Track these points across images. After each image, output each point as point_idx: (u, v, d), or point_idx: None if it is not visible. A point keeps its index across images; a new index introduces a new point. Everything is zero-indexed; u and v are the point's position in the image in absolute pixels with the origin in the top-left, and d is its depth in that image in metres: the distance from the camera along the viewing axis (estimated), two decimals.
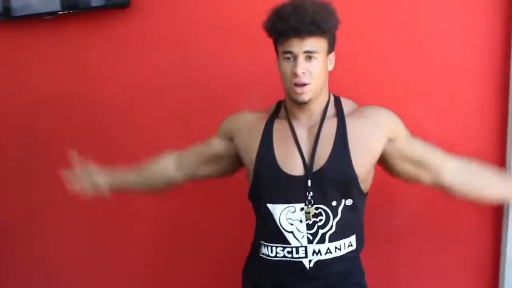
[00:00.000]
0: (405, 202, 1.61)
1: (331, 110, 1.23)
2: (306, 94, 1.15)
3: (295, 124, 1.23)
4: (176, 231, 2.00)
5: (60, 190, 1.89)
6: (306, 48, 1.13)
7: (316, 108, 1.22)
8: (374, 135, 1.20)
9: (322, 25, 1.11)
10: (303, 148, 1.20)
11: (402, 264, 1.68)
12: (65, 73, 2.08)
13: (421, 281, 1.66)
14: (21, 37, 2.11)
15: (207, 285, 1.97)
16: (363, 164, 1.19)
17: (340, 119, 1.21)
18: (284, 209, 1.19)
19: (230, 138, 1.32)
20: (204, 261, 1.96)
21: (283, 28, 1.12)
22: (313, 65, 1.14)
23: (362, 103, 1.29)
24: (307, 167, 1.18)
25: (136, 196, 1.64)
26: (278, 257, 1.21)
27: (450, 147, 1.31)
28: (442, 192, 1.29)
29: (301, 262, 1.19)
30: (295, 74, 1.13)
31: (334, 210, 1.18)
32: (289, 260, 1.20)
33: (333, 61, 1.21)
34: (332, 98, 1.25)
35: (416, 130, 1.31)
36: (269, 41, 1.22)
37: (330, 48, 1.18)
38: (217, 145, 1.35)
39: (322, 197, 1.18)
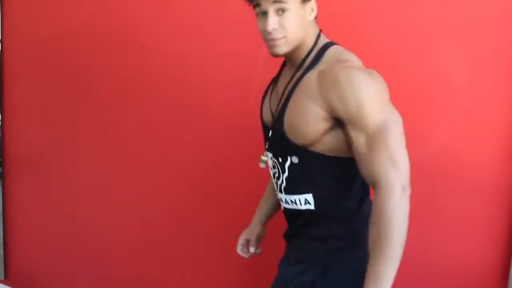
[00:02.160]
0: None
1: (310, 59, 1.17)
2: (279, 47, 1.12)
3: (282, 75, 1.26)
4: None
5: (76, 124, 2.23)
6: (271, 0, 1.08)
7: (296, 59, 1.18)
8: (307, 97, 1.10)
9: None
10: (277, 99, 1.21)
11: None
12: (89, 5, 2.15)
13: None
14: None
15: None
16: (294, 126, 1.12)
17: (304, 71, 1.15)
18: (268, 157, 1.25)
19: None
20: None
21: None
22: (285, 18, 1.09)
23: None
24: (273, 118, 1.20)
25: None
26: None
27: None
28: None
29: (283, 206, 1.28)
30: (266, 31, 1.10)
31: (282, 166, 1.19)
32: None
33: (315, 9, 1.15)
34: (317, 48, 1.16)
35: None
36: None
37: None
38: None
39: (273, 151, 1.21)
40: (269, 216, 1.49)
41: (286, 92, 1.15)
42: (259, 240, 1.46)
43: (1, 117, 2.53)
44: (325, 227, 1.20)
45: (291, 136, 1.13)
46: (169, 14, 1.95)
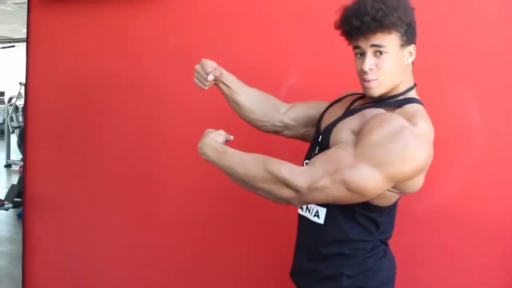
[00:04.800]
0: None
1: (388, 102, 1.17)
2: (374, 88, 1.13)
3: (357, 99, 1.28)
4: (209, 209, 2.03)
5: (97, 164, 2.28)
6: (372, 42, 1.11)
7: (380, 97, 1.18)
8: (352, 124, 1.15)
9: (385, 21, 1.08)
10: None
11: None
12: (105, 52, 2.22)
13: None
14: (65, 14, 2.28)
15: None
16: (335, 137, 1.16)
17: (376, 104, 1.16)
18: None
19: None
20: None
21: (347, 28, 1.13)
22: (382, 59, 1.11)
23: None
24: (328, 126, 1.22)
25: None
26: None
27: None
28: None
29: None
30: (362, 71, 1.12)
31: None
32: None
33: (414, 54, 1.16)
34: (403, 97, 1.16)
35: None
36: None
37: (406, 41, 1.13)
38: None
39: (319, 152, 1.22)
40: (232, 81, 1.41)
41: (350, 111, 1.19)
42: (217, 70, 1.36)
43: (24, 159, 2.58)
44: (335, 265, 1.18)
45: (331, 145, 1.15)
46: (187, 57, 2.00)
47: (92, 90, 2.30)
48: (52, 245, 2.51)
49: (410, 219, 1.53)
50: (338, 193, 1.04)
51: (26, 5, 2.39)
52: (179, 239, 2.09)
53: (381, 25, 1.08)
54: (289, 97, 1.74)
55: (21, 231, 2.58)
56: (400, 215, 1.26)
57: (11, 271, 2.71)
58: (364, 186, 1.04)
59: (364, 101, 1.22)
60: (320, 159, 1.09)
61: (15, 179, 2.84)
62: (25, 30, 2.42)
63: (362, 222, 1.16)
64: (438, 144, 1.52)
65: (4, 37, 2.84)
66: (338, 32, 1.17)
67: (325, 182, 1.04)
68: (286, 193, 1.06)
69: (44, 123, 2.48)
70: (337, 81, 1.50)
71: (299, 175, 1.05)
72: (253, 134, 1.83)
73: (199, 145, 1.16)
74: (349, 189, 1.03)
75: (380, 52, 1.10)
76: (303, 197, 1.06)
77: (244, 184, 1.12)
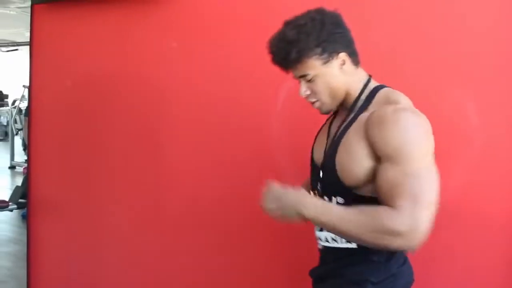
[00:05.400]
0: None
1: (360, 103, 1.19)
2: (321, 108, 1.20)
3: (336, 117, 1.28)
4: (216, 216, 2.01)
5: (100, 165, 2.29)
6: (297, 75, 1.18)
7: (347, 105, 1.21)
8: (358, 137, 1.12)
9: (291, 58, 1.14)
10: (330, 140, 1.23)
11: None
12: (107, 55, 2.24)
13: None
14: (67, 18, 2.29)
15: None
16: (344, 166, 1.13)
17: (356, 114, 1.17)
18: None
19: None
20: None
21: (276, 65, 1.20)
22: (314, 84, 1.17)
23: None
24: (325, 158, 1.21)
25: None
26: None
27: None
28: None
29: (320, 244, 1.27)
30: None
31: None
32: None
33: (347, 60, 1.16)
34: (366, 93, 1.19)
35: None
36: None
37: (328, 57, 1.15)
38: None
39: (322, 189, 1.22)
40: None
41: (339, 134, 1.18)
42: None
43: (28, 161, 2.60)
44: (361, 271, 1.18)
45: (341, 176, 1.13)
46: (188, 60, 2.02)
47: (95, 92, 2.32)
48: (56, 245, 2.53)
49: None
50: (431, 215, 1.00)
51: (29, 9, 2.42)
52: (183, 239, 2.09)
53: (290, 62, 1.14)
54: (289, 98, 1.76)
55: (25, 232, 2.59)
56: None
57: (16, 272, 2.75)
58: (435, 187, 1.03)
59: (342, 116, 1.23)
60: (396, 198, 1.02)
61: (19, 181, 2.87)
62: (28, 34, 2.45)
63: None
64: (437, 143, 1.54)
65: (8, 40, 2.87)
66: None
67: (419, 215, 0.99)
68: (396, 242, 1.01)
69: (48, 125, 2.50)
70: None
71: (397, 219, 0.99)
72: (253, 137, 1.86)
73: (292, 204, 1.10)
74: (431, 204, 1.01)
75: (309, 79, 1.16)
76: (414, 235, 0.99)
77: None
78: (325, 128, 1.31)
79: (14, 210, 2.87)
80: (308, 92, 1.18)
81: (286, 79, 1.24)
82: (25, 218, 2.63)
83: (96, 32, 2.27)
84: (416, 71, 1.59)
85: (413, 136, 1.06)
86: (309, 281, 1.31)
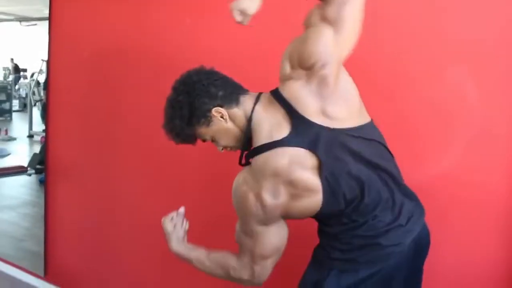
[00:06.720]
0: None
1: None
2: (235, 152, 1.33)
3: None
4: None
5: (115, 133, 2.36)
6: (203, 140, 1.32)
7: None
8: None
9: (181, 141, 1.30)
10: None
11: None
12: (123, 29, 2.31)
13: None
14: None
15: None
16: None
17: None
18: None
19: None
20: None
21: None
22: (216, 141, 1.30)
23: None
24: None
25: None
26: None
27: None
28: None
29: None
30: None
31: None
32: None
33: (224, 112, 1.23)
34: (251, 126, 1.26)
35: None
36: None
37: (206, 120, 1.24)
38: None
39: None
40: None
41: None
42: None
43: (46, 130, 2.70)
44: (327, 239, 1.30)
45: None
46: (204, 34, 2.07)
47: (111, 64, 2.38)
48: (71, 207, 2.62)
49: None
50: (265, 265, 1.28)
51: None
52: (200, 203, 2.06)
53: (184, 141, 1.30)
54: None
55: (42, 195, 2.70)
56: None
57: (34, 231, 2.82)
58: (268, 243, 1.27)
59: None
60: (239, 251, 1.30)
61: (37, 148, 3.02)
62: (47, 11, 2.53)
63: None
64: (437, 117, 1.57)
65: (27, 16, 2.99)
66: None
67: (255, 267, 1.26)
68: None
69: (65, 96, 2.58)
70: None
71: (240, 271, 1.29)
72: None
73: (166, 236, 1.41)
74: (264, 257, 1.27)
75: (211, 140, 1.30)
76: (255, 281, 1.29)
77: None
78: None
79: (32, 175, 2.97)
80: (221, 148, 1.31)
81: None
82: (42, 182, 2.71)
83: (113, 7, 2.32)
84: (413, 52, 1.59)
85: (236, 207, 1.26)
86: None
